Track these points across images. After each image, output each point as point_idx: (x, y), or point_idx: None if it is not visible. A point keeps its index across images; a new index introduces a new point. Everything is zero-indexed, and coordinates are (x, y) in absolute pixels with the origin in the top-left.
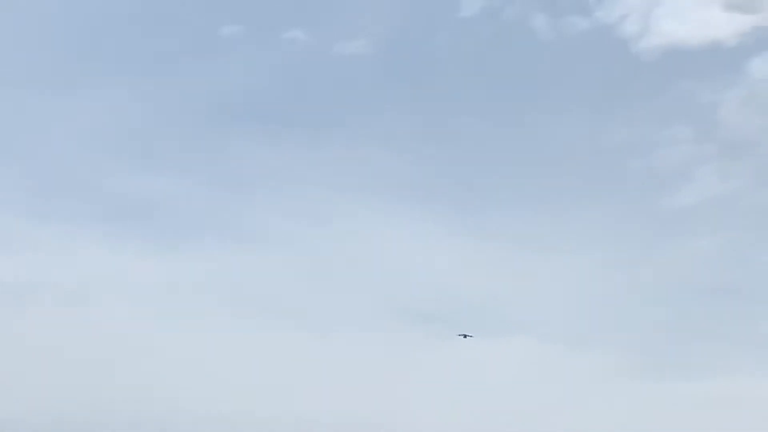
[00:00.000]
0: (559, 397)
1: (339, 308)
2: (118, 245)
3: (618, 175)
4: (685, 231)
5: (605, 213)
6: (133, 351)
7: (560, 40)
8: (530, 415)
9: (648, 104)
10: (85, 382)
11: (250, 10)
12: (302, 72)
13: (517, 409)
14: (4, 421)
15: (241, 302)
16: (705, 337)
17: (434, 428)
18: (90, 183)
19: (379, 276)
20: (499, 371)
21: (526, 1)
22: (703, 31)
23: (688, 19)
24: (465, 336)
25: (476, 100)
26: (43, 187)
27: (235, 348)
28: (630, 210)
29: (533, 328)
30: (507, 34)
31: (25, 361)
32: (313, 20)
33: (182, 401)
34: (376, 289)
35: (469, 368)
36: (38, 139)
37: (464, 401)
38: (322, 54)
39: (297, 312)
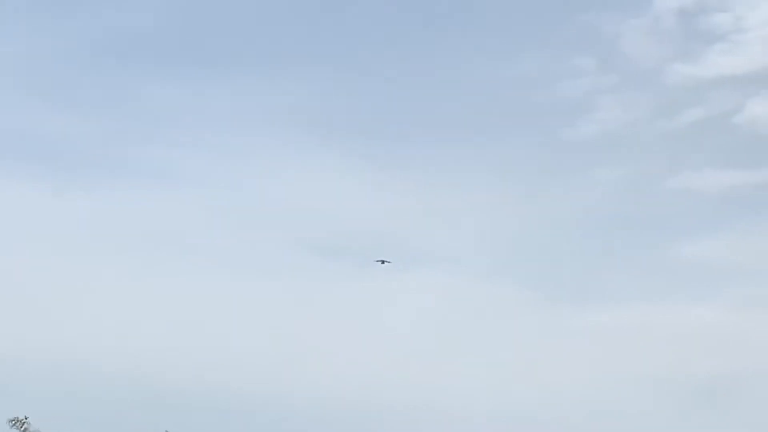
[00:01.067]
0: (467, 327)
1: (247, 244)
2: (17, 184)
3: (521, 107)
4: (588, 161)
5: (509, 144)
6: (33, 290)
7: None
8: (439, 346)
9: (551, 36)
10: None
11: None
12: (206, 6)
13: (425, 340)
14: None
15: (146, 240)
16: (609, 266)
17: (346, 361)
18: None
19: (288, 211)
20: (408, 303)
21: None
22: None
23: None
24: (383, 262)
25: (383, 34)
26: None
27: (140, 287)
28: (534, 141)
29: (441, 261)
30: None
31: None
32: None
33: (83, 345)
34: (285, 224)
35: (379, 301)
36: None
37: (375, 334)
38: None
39: (204, 249)
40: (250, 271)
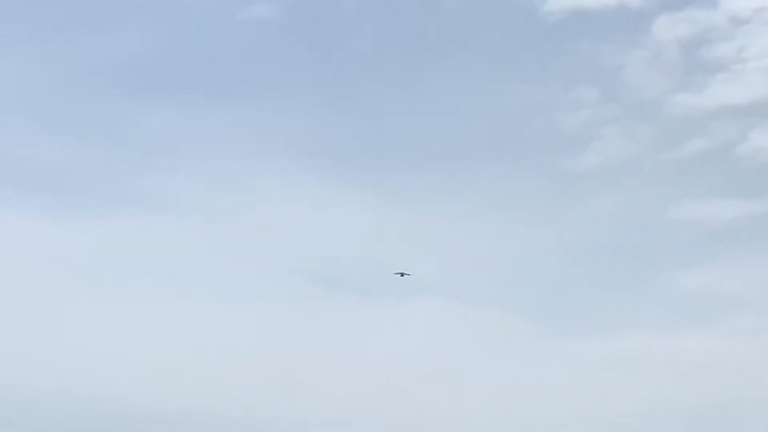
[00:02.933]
0: (465, 356)
1: (241, 273)
2: (15, 212)
3: (522, 136)
4: (588, 192)
5: (510, 174)
6: (27, 318)
7: (466, 2)
8: (436, 376)
9: (553, 66)
10: None
11: None
12: (204, 36)
13: (422, 369)
14: None
15: (141, 269)
16: (609, 295)
17: (338, 390)
18: None
19: (282, 241)
20: (405, 332)
21: None
22: None
23: None
24: (402, 275)
25: (380, 64)
26: None
27: (135, 316)
28: (534, 171)
29: (438, 289)
30: None
31: None
32: None
33: (76, 374)
34: (278, 254)
35: (376, 330)
36: None
37: (372, 362)
38: (227, 18)
39: (198, 278)
40: (243, 299)
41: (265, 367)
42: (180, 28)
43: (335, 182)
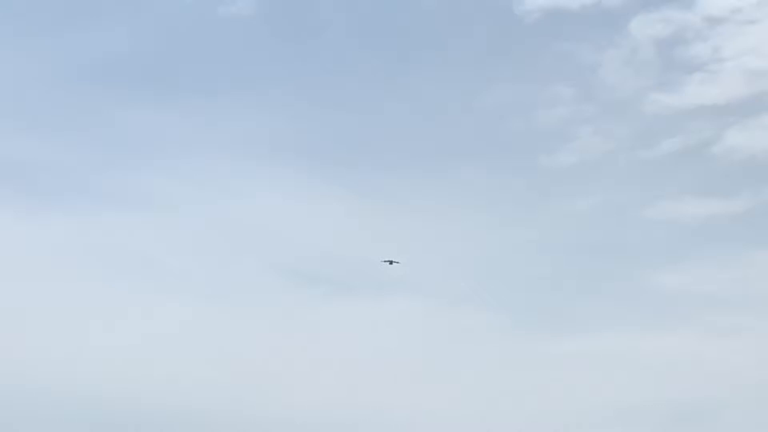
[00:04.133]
0: (441, 354)
1: (219, 269)
2: None
3: (498, 135)
4: (565, 190)
5: (486, 172)
6: (5, 315)
7: (444, 1)
8: (412, 372)
9: (529, 65)
10: None
11: None
12: (184, 33)
13: (399, 365)
14: None
15: (119, 265)
16: (586, 294)
17: (317, 387)
18: None
19: (260, 237)
20: (382, 329)
21: None
22: None
23: None
24: (390, 262)
25: (358, 61)
26: None
27: (112, 311)
28: (510, 169)
29: (415, 287)
30: None
31: None
32: None
33: (54, 372)
34: (256, 249)
35: (354, 326)
36: None
37: (347, 359)
38: (206, 15)
39: (178, 273)
40: (221, 294)
41: (241, 362)
42: (159, 25)
43: (312, 178)
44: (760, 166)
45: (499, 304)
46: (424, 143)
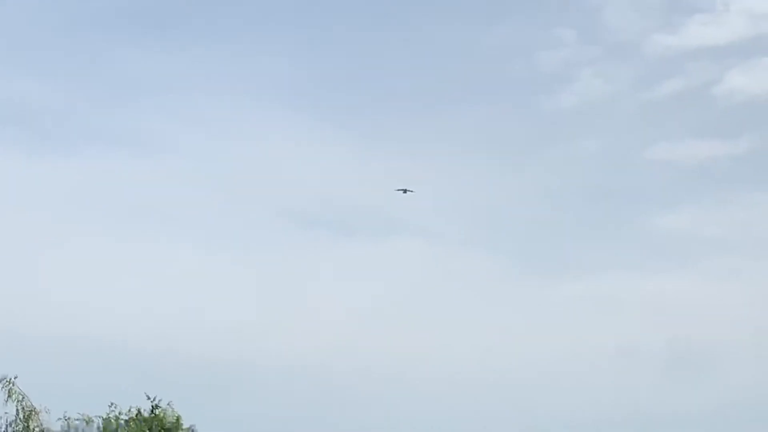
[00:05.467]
0: (441, 297)
1: (222, 213)
2: None
3: (499, 77)
4: (567, 133)
5: (487, 114)
6: (4, 261)
7: None
8: (416, 316)
9: (530, 6)
10: None
11: None
12: None
13: (401, 309)
14: None
15: (122, 208)
16: (586, 237)
17: (321, 330)
18: None
19: (263, 180)
20: (386, 272)
21: None
22: None
23: None
24: (405, 191)
25: (359, 7)
26: None
27: (115, 254)
28: (512, 112)
29: (419, 230)
30: None
31: None
32: None
33: (53, 315)
34: (259, 193)
35: (356, 270)
36: None
37: (351, 303)
38: None
39: (183, 218)
40: (224, 238)
41: (246, 307)
42: None
43: (313, 120)
44: (761, 107)
45: (500, 246)
46: (425, 85)
